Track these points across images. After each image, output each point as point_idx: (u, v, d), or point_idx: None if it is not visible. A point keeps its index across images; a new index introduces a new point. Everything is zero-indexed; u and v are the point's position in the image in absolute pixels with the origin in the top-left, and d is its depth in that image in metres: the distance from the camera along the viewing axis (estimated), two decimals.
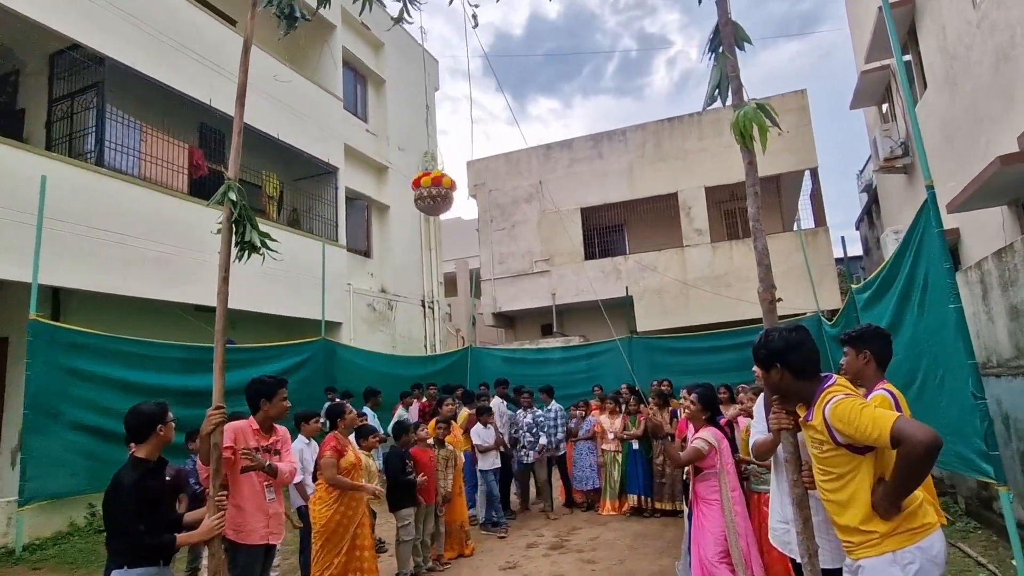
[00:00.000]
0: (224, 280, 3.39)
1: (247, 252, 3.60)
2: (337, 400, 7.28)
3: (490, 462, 7.37)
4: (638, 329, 15.43)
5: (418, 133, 16.34)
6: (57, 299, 7.80)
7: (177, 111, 9.49)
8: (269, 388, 3.76)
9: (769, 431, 2.71)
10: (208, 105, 9.49)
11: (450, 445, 6.44)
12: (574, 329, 17.56)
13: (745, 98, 2.91)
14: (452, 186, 8.96)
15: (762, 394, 2.99)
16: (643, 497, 7.79)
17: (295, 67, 11.89)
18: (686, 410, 4.32)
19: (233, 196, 3.51)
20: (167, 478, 3.24)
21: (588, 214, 17.65)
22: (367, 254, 14.52)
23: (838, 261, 17.09)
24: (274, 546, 3.78)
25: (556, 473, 8.57)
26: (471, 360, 13.56)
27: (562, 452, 8.54)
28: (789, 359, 2.36)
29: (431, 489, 5.80)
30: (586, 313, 17.77)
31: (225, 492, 3.16)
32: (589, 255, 17.46)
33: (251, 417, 3.74)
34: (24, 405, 6.45)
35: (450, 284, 20.57)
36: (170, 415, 3.09)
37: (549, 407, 8.66)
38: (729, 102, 3.01)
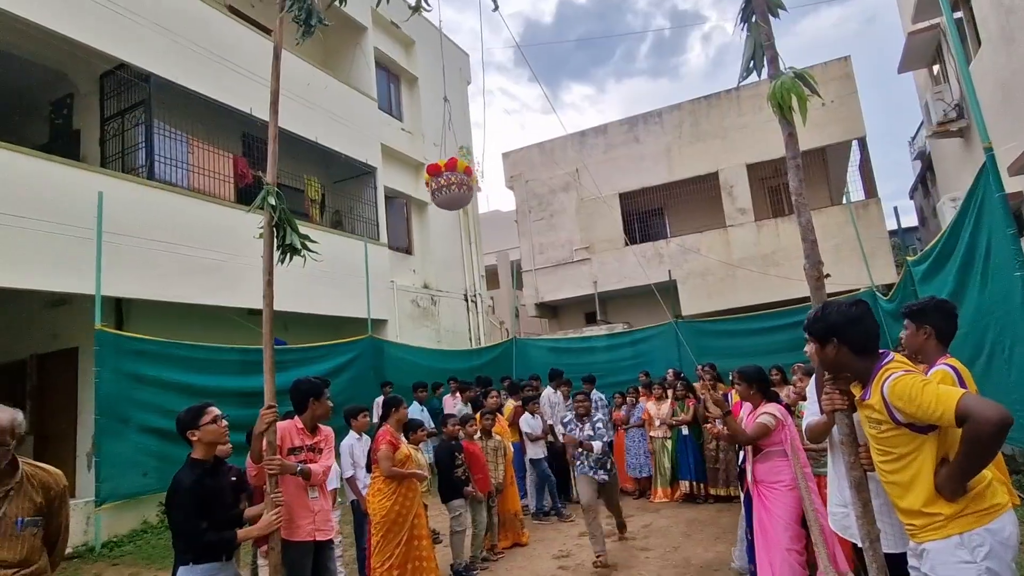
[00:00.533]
0: (269, 283, 3.49)
1: (288, 255, 3.70)
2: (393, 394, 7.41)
3: (539, 451, 7.38)
4: (683, 313, 15.19)
5: (453, 128, 16.38)
6: (120, 309, 8.17)
7: (220, 122, 9.78)
8: (317, 388, 3.84)
9: (822, 412, 2.62)
10: (249, 114, 9.75)
11: (498, 436, 6.48)
12: (617, 316, 17.40)
13: (782, 67, 2.80)
14: (468, 171, 8.41)
15: (814, 375, 2.89)
16: (696, 483, 7.69)
17: (329, 71, 12.09)
18: (736, 390, 4.22)
19: (272, 201, 3.61)
20: (232, 478, 3.35)
21: (627, 199, 17.41)
22: (408, 251, 14.70)
23: (892, 233, 16.42)
24: (327, 542, 3.86)
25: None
26: (516, 351, 13.61)
27: (609, 440, 8.48)
28: (847, 334, 2.26)
29: (483, 480, 5.86)
30: (629, 299, 17.58)
31: (280, 490, 3.26)
32: (629, 241, 17.24)
33: (296, 417, 3.83)
34: (95, 411, 6.81)
35: (491, 277, 20.65)
36: (205, 418, 3.13)
37: (591, 396, 8.61)
38: (765, 73, 2.90)
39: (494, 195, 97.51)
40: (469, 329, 15.59)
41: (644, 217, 17.89)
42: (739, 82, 3.11)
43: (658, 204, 17.68)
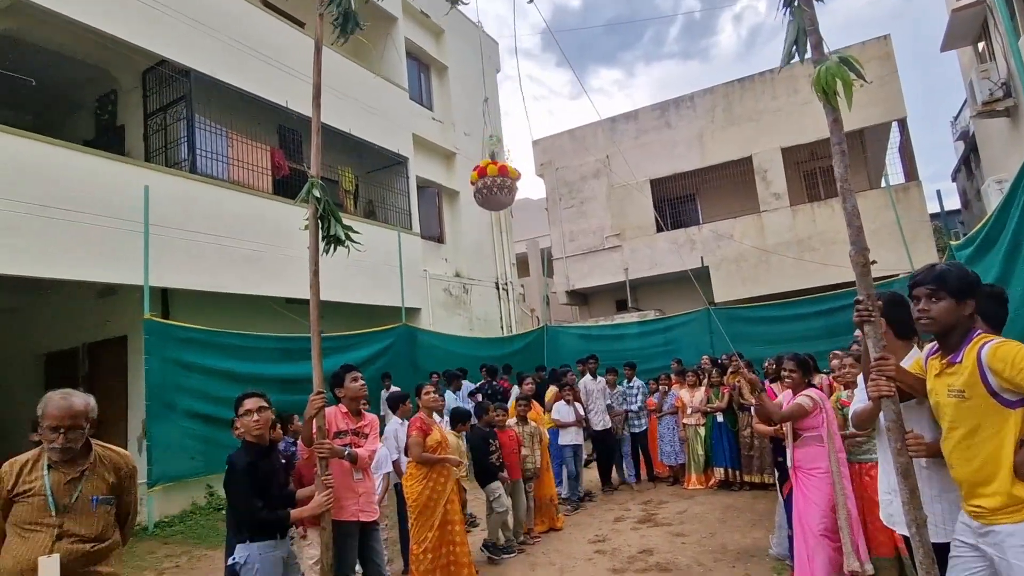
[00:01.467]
0: (315, 274, 3.59)
1: (332, 245, 3.79)
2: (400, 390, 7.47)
3: (569, 438, 7.42)
4: (715, 300, 15.03)
5: (483, 117, 16.40)
6: (166, 299, 8.44)
7: (257, 115, 9.97)
8: (337, 376, 3.97)
9: (869, 399, 2.62)
10: (284, 107, 9.92)
11: (533, 422, 6.56)
12: (648, 303, 17.31)
13: (825, 51, 2.77)
14: (517, 176, 8.50)
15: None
16: (730, 470, 7.68)
17: (361, 62, 12.19)
18: (786, 379, 4.20)
19: (317, 193, 3.69)
20: (283, 461, 3.48)
21: (658, 185, 17.25)
22: (440, 240, 14.83)
23: (933, 216, 15.94)
24: (373, 523, 3.99)
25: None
26: (547, 339, 13.67)
27: (644, 428, 8.51)
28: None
29: (513, 466, 5.95)
30: (660, 286, 17.46)
31: (330, 472, 3.39)
32: (661, 227, 17.09)
33: (341, 402, 3.96)
34: (145, 397, 7.09)
35: (522, 264, 20.69)
36: (240, 410, 3.23)
37: (632, 383, 8.64)
38: (808, 57, 2.87)
39: (524, 183, 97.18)
40: (500, 317, 15.68)
41: (676, 203, 17.71)
42: (780, 67, 3.08)
43: (690, 190, 17.46)
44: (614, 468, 8.34)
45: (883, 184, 13.99)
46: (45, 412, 2.42)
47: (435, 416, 5.21)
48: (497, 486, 5.63)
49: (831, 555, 3.74)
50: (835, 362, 4.59)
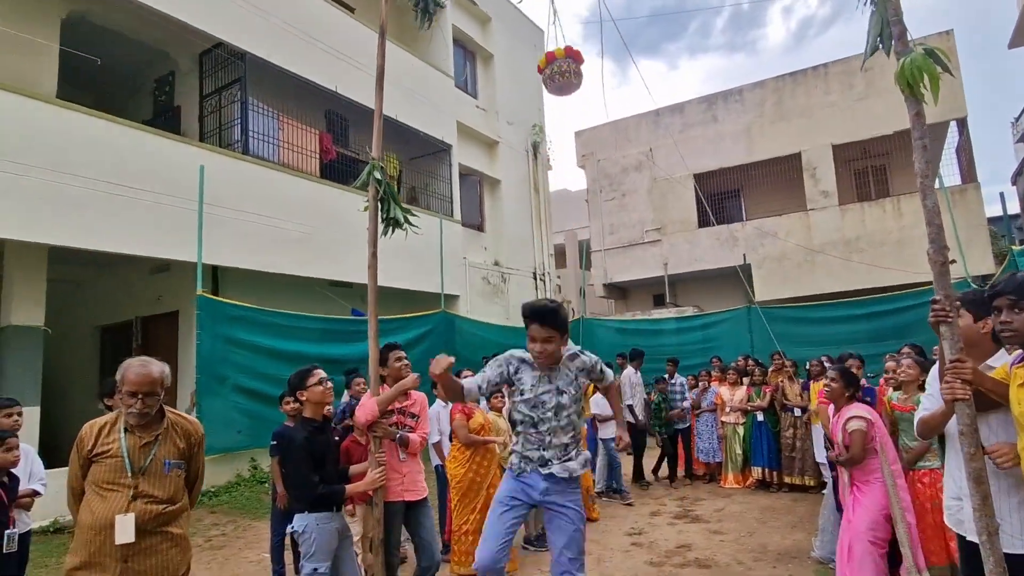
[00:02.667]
0: (374, 255, 3.66)
1: (391, 228, 3.85)
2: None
3: (610, 431, 7.41)
4: (756, 298, 14.76)
5: (526, 107, 16.36)
6: (216, 276, 8.69)
7: (306, 99, 10.14)
8: (388, 348, 4.00)
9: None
10: (334, 92, 10.06)
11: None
12: (687, 299, 17.10)
13: (909, 44, 2.68)
14: (582, 60, 8.64)
15: (936, 365, 2.79)
16: (769, 470, 7.57)
17: (409, 48, 12.27)
18: (827, 388, 4.12)
19: (378, 175, 3.76)
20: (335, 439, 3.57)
21: (701, 180, 16.96)
22: (480, 228, 14.88)
23: (990, 220, 15.34)
24: (420, 501, 4.05)
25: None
26: (583, 331, 13.63)
27: (687, 424, 8.46)
28: None
29: None
30: (699, 283, 17.23)
31: (383, 450, 3.45)
32: (703, 222, 16.82)
33: (386, 382, 3.99)
34: (196, 370, 7.32)
35: (559, 256, 20.62)
36: (311, 380, 3.30)
37: (673, 380, 8.57)
38: (876, 50, 2.78)
39: (564, 173, 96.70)
40: None
41: (720, 199, 17.40)
42: (864, 60, 2.99)
43: (735, 185, 17.12)
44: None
45: (938, 186, 13.50)
46: (124, 378, 2.52)
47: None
48: None
49: (877, 562, 3.66)
50: (891, 363, 4.45)
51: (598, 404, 7.43)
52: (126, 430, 2.54)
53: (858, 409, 3.89)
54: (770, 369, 8.16)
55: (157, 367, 2.59)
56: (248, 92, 8.91)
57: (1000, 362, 2.50)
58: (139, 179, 7.33)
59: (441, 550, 5.34)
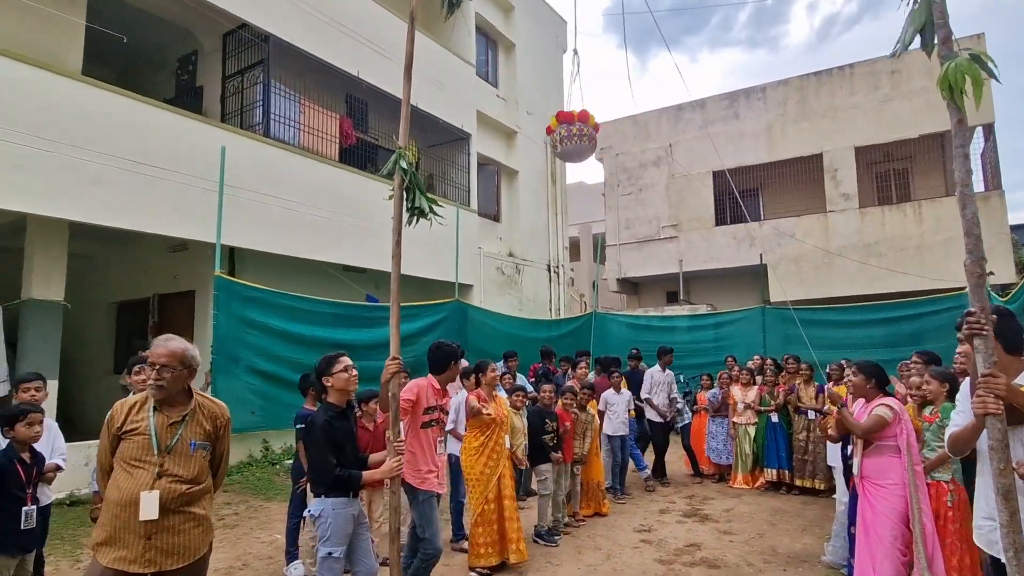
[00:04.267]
0: (398, 243, 3.64)
1: (416, 217, 3.83)
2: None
3: (618, 428, 7.37)
4: (771, 299, 14.66)
5: (546, 97, 16.26)
6: (232, 258, 8.73)
7: (327, 83, 10.13)
8: (456, 353, 4.09)
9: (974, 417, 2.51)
10: (355, 77, 10.04)
11: (590, 410, 6.55)
12: (701, 297, 17.01)
13: (955, 48, 2.62)
14: (597, 127, 8.46)
15: (967, 380, 2.76)
16: (782, 471, 7.54)
17: (431, 35, 12.21)
18: (848, 384, 4.09)
19: (404, 164, 3.74)
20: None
21: (720, 178, 16.83)
22: (496, 219, 14.85)
23: (1013, 229, 15.09)
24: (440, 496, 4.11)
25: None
26: (595, 325, 13.59)
27: (687, 422, 8.42)
28: None
29: (568, 449, 5.98)
30: (714, 281, 17.14)
31: (403, 439, 3.46)
32: (720, 220, 16.70)
33: (432, 376, 4.03)
34: (212, 350, 7.36)
35: (573, 249, 20.58)
36: (337, 367, 3.32)
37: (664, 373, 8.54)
38: (917, 46, 2.72)
39: (581, 166, 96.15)
40: (550, 300, 15.67)
41: (738, 197, 17.29)
42: (894, 53, 2.93)
43: (754, 184, 16.97)
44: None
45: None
46: (150, 351, 2.57)
47: (502, 393, 5.30)
48: (546, 468, 5.67)
49: (900, 569, 3.64)
50: (915, 379, 4.40)
51: (606, 400, 7.39)
52: (155, 409, 2.57)
53: (890, 400, 3.88)
54: (784, 371, 8.11)
55: (179, 343, 2.62)
56: (271, 74, 8.91)
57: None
58: (160, 158, 7.36)
59: (452, 538, 5.41)
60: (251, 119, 8.93)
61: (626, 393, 7.54)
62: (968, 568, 3.66)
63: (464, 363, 5.24)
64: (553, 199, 16.22)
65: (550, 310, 15.52)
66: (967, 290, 2.51)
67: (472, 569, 4.70)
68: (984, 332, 2.37)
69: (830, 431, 4.59)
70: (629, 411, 7.50)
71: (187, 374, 2.67)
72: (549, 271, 15.76)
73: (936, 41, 2.68)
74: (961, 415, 2.72)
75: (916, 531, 3.62)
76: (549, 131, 8.74)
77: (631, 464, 7.72)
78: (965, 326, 2.42)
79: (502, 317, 12.24)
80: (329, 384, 3.31)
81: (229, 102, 9.18)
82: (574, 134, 8.51)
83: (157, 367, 2.56)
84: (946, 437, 2.81)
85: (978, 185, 14.89)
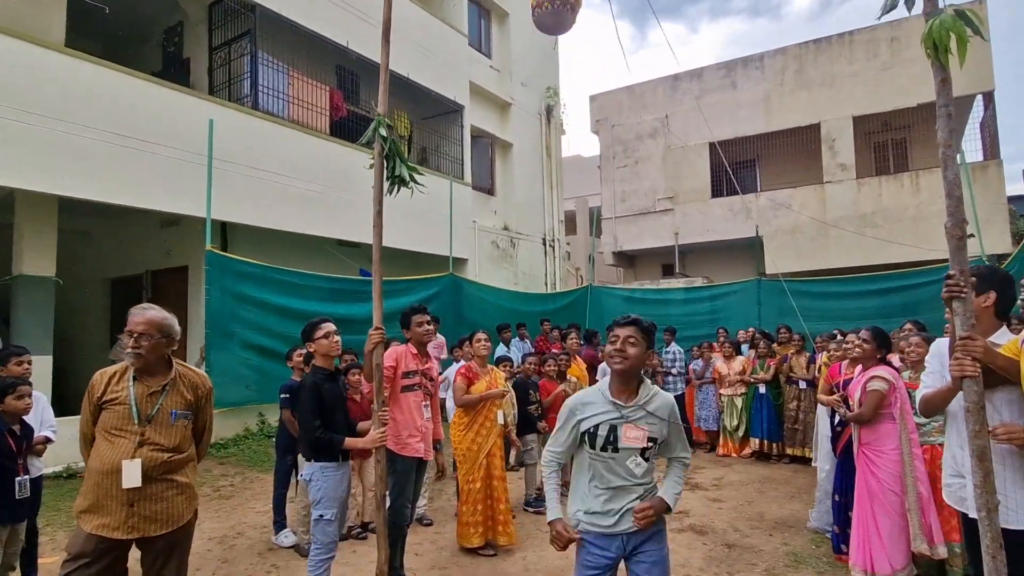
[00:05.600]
0: (379, 214, 3.61)
1: (396, 186, 3.79)
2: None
3: None
4: (767, 271, 14.65)
5: (541, 68, 16.03)
6: (225, 232, 8.69)
7: (316, 55, 9.96)
8: (405, 315, 4.08)
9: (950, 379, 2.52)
10: (345, 47, 9.88)
11: (573, 378, 6.57)
12: (697, 270, 17.00)
13: (940, 4, 2.56)
14: None
15: (936, 342, 2.76)
16: (767, 442, 7.63)
17: (422, 4, 11.98)
18: (857, 351, 4.08)
19: (383, 132, 3.69)
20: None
21: (717, 149, 16.70)
22: (491, 192, 14.76)
23: (1011, 200, 15.03)
24: (425, 462, 4.15)
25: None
26: (590, 299, 13.61)
27: (680, 392, 8.50)
28: None
29: (553, 418, 6.02)
30: (710, 253, 17.11)
31: (387, 408, 3.49)
32: (716, 192, 16.60)
33: (410, 343, 4.05)
34: (205, 325, 7.38)
35: (569, 222, 20.49)
36: (318, 333, 3.38)
37: (669, 348, 8.59)
38: (916, 9, 2.66)
39: (577, 139, 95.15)
40: (545, 273, 15.66)
41: (734, 169, 17.16)
42: (880, 16, 2.86)
43: (751, 155, 16.83)
44: None
45: (959, 160, 13.21)
46: (127, 320, 2.57)
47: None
48: (532, 438, 5.74)
49: (905, 537, 3.70)
50: (902, 343, 4.40)
51: (603, 372, 7.42)
52: (135, 379, 2.58)
53: (883, 371, 3.88)
54: (776, 342, 8.17)
55: (157, 312, 2.62)
56: (258, 45, 8.75)
57: (1005, 339, 2.47)
58: (148, 131, 7.27)
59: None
60: (239, 91, 8.81)
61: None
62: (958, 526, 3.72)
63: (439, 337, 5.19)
64: (548, 172, 16.10)
65: (546, 284, 15.52)
66: (949, 254, 2.49)
67: (468, 550, 4.63)
68: (963, 295, 2.37)
69: (830, 399, 4.64)
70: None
71: (166, 343, 2.67)
72: (544, 245, 15.72)
73: None
74: (930, 376, 2.73)
75: (911, 499, 3.67)
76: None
77: None
78: (944, 289, 2.41)
79: (497, 291, 12.24)
80: (312, 350, 3.36)
81: (216, 74, 9.04)
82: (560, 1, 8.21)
83: (135, 335, 2.56)
84: (917, 398, 2.83)
85: (977, 154, 14.78)
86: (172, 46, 9.79)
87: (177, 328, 2.72)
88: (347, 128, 10.11)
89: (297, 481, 3.65)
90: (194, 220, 7.86)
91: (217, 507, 5.60)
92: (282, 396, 4.74)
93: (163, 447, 2.55)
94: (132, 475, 2.46)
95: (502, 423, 5.51)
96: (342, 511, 3.32)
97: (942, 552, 3.73)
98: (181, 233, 8.83)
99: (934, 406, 2.73)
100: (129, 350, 2.57)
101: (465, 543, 4.64)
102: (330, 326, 3.41)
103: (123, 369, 2.61)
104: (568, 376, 6.52)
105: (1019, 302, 2.30)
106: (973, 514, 2.42)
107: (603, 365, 7.43)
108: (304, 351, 4.65)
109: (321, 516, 3.16)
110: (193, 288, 8.58)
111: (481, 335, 5.04)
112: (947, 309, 2.46)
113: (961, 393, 2.43)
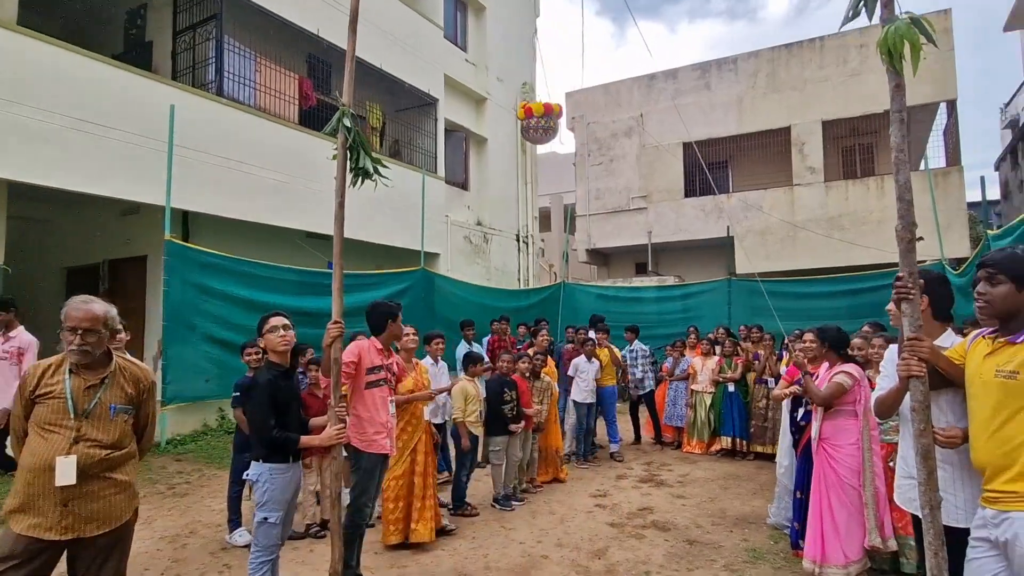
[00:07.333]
0: (340, 205, 3.53)
1: (360, 178, 3.71)
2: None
3: (585, 396, 7.41)
4: (737, 271, 14.84)
5: (517, 63, 15.96)
6: (186, 222, 8.47)
7: (286, 42, 9.76)
8: (394, 311, 4.03)
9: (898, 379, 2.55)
10: (316, 35, 9.69)
11: (546, 376, 6.56)
12: (669, 269, 17.14)
13: (897, 11, 2.58)
14: (560, 113, 8.78)
15: (892, 345, 2.80)
16: (737, 439, 7.71)
17: None
18: (804, 352, 4.15)
19: (348, 122, 3.60)
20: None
21: (690, 149, 16.83)
22: (464, 186, 14.66)
23: (971, 206, 15.43)
24: (388, 458, 4.10)
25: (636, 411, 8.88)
26: (564, 296, 13.63)
27: (648, 390, 8.54)
28: None
29: (529, 417, 5.99)
30: (682, 252, 17.26)
31: (344, 404, 3.41)
32: (689, 192, 16.75)
33: (374, 337, 3.98)
34: (164, 317, 7.19)
35: (544, 219, 20.51)
36: (265, 327, 3.26)
37: (632, 347, 8.63)
38: (877, 18, 2.68)
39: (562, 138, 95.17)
40: (519, 269, 15.63)
41: (707, 169, 17.32)
42: (842, 24, 2.89)
43: (723, 157, 17.00)
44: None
45: (923, 167, 13.51)
46: (66, 314, 2.46)
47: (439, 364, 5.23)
48: (500, 440, 5.63)
49: (858, 527, 3.78)
50: (858, 340, 4.45)
51: (580, 367, 7.43)
52: (71, 372, 2.47)
53: (851, 367, 3.97)
54: (741, 340, 8.27)
55: (100, 305, 2.51)
56: (224, 30, 8.54)
57: (950, 342, 2.51)
58: (107, 116, 7.04)
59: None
60: (204, 77, 8.58)
61: (596, 362, 7.57)
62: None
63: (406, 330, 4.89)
64: (523, 168, 16.06)
65: (519, 280, 15.50)
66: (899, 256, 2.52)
67: (389, 547, 4.54)
68: (911, 296, 2.40)
69: (784, 392, 4.72)
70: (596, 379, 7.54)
71: (109, 336, 2.56)
72: (518, 241, 15.69)
73: (879, 4, 2.64)
74: (886, 379, 2.77)
75: (867, 495, 3.75)
76: (519, 118, 9.01)
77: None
78: (893, 291, 2.44)
79: (469, 286, 12.18)
80: (263, 344, 3.26)
81: (180, 59, 8.80)
82: (534, 126, 8.97)
83: (80, 332, 2.44)
84: (872, 400, 2.87)
85: (939, 160, 15.15)
86: (134, 29, 9.50)
87: (118, 319, 2.62)
88: (317, 118, 9.92)
89: (246, 482, 3.55)
90: (154, 209, 7.64)
91: (171, 505, 5.45)
92: (234, 394, 4.62)
93: (101, 443, 2.45)
94: (66, 472, 2.35)
95: (440, 420, 5.45)
96: (289, 513, 3.23)
97: (892, 545, 3.82)
98: (141, 222, 8.58)
99: (886, 407, 2.77)
100: (75, 347, 2.44)
101: (384, 540, 4.54)
102: (278, 320, 3.25)
103: (59, 361, 2.49)
104: (542, 375, 6.49)
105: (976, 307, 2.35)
106: (919, 513, 2.46)
107: (576, 360, 7.47)
108: (256, 347, 4.56)
109: (265, 519, 3.07)
110: (153, 279, 8.34)
111: (409, 328, 4.80)
112: (894, 310, 2.48)
113: (908, 394, 2.47)
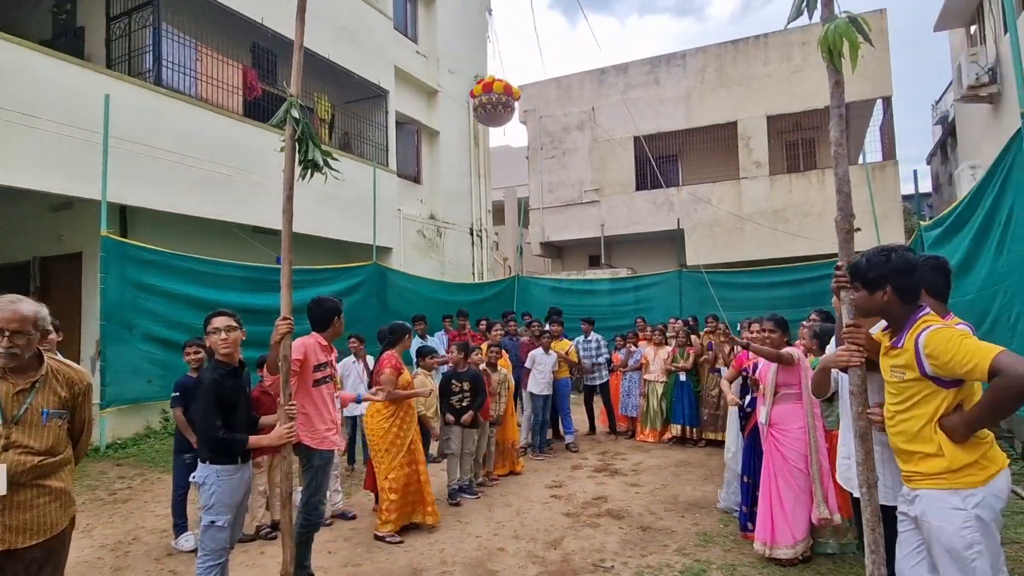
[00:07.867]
0: (289, 199, 3.43)
1: (310, 171, 3.62)
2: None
3: (541, 388, 7.45)
4: (687, 262, 15.19)
5: (469, 56, 15.86)
6: (124, 217, 8.10)
7: (229, 31, 9.42)
8: (338, 307, 3.97)
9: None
10: (260, 24, 9.39)
11: (503, 369, 6.57)
12: (622, 261, 17.40)
13: (836, 11, 2.68)
14: (519, 96, 8.76)
15: (834, 335, 2.93)
16: (687, 427, 7.90)
17: None
18: (765, 340, 4.29)
19: (296, 114, 3.50)
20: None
21: (641, 143, 17.10)
22: (417, 180, 14.50)
23: (905, 198, 16.19)
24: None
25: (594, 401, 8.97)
26: (518, 289, 13.69)
27: (604, 380, 8.66)
28: (904, 281, 2.30)
29: (486, 409, 5.99)
30: (634, 245, 17.54)
31: (294, 403, 3.33)
32: (640, 185, 17.02)
33: (316, 334, 3.88)
34: (101, 317, 6.87)
35: (498, 212, 20.48)
36: (208, 327, 3.18)
37: (589, 338, 8.74)
38: (817, 17, 2.77)
39: (505, 130, 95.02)
40: (473, 263, 15.59)
41: (658, 163, 17.62)
42: (787, 24, 2.98)
43: (673, 151, 17.34)
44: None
45: (861, 161, 14.12)
46: None
47: None
48: (452, 431, 5.67)
49: (808, 507, 3.95)
50: (756, 325, 4.64)
51: (537, 360, 7.45)
52: None
53: (794, 349, 4.20)
54: (704, 331, 8.47)
55: (30, 305, 2.36)
56: (162, 17, 8.17)
57: (876, 328, 2.64)
58: (35, 105, 6.64)
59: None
60: (140, 65, 8.21)
61: (553, 354, 7.61)
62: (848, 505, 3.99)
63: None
64: (476, 161, 16.00)
65: (473, 274, 15.46)
66: (838, 246, 2.62)
67: (379, 538, 4.62)
68: (849, 285, 2.50)
69: (725, 378, 4.88)
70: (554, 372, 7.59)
71: (40, 337, 2.42)
72: (472, 234, 15.64)
73: (819, 4, 2.73)
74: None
75: (814, 469, 3.93)
76: (472, 95, 8.90)
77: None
78: (833, 280, 2.54)
79: (423, 281, 12.09)
80: (208, 344, 3.16)
81: (115, 46, 8.38)
82: (494, 102, 8.86)
83: (8, 334, 2.29)
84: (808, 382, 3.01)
85: (876, 155, 15.83)
86: (64, 13, 9.00)
87: (49, 319, 2.47)
88: (263, 109, 9.63)
89: (191, 485, 3.44)
90: (88, 203, 7.28)
91: (111, 512, 5.23)
92: (173, 394, 4.46)
93: (33, 450, 2.31)
94: None
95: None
96: (239, 516, 3.14)
97: (838, 520, 4.01)
98: (75, 218, 8.16)
99: (816, 385, 3.00)
100: (2, 350, 2.28)
101: (386, 529, 4.62)
102: (220, 321, 3.14)
103: None
104: (498, 367, 6.51)
105: None
106: (856, 492, 2.58)
107: (533, 352, 7.50)
108: (196, 346, 4.45)
109: (213, 522, 2.97)
110: (88, 277, 7.96)
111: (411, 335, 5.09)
112: (835, 298, 2.59)
113: (846, 377, 2.59)
